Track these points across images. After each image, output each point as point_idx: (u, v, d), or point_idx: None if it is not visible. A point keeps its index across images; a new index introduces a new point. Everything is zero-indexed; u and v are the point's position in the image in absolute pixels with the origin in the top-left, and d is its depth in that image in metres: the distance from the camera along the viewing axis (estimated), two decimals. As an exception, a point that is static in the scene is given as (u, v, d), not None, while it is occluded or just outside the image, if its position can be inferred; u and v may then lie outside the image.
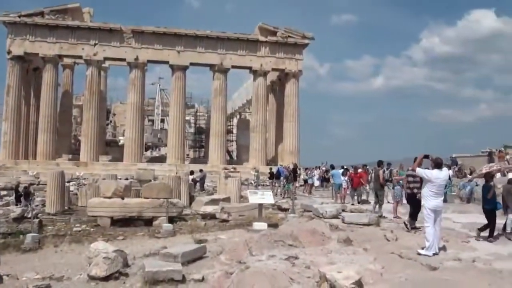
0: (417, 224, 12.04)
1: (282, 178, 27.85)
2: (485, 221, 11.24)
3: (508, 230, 10.95)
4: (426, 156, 10.04)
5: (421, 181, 11.14)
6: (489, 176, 11.93)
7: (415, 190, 12.17)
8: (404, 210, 17.08)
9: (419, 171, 9.74)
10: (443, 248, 9.80)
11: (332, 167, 25.02)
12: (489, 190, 11.10)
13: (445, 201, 19.54)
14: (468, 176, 22.68)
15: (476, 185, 20.62)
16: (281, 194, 25.81)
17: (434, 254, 9.14)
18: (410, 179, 12.49)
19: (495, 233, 11.10)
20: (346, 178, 20.99)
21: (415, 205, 12.33)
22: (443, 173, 9.66)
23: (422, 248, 9.33)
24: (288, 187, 24.29)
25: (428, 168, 9.95)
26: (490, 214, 10.95)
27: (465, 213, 16.20)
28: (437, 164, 9.63)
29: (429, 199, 9.44)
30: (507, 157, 29.59)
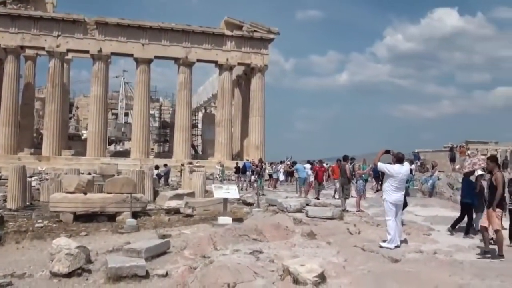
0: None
1: (248, 173, 27.95)
2: (447, 214, 11.53)
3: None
4: (387, 151, 10.18)
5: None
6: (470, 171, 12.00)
7: None
8: (367, 204, 17.37)
9: (381, 166, 9.87)
10: (405, 241, 10.01)
11: (295, 163, 25.24)
12: (472, 184, 11.29)
13: (407, 195, 19.96)
14: (431, 171, 23.14)
15: (438, 179, 21.11)
16: (246, 189, 25.87)
17: (396, 247, 9.31)
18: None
19: (457, 226, 11.38)
20: (311, 172, 21.16)
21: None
22: (404, 168, 9.83)
23: (384, 241, 9.49)
24: (260, 182, 24.33)
25: (390, 163, 10.10)
26: (468, 208, 11.08)
27: (427, 207, 16.57)
28: (398, 159, 9.80)
29: (391, 194, 9.59)
30: (468, 152, 30.33)
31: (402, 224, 11.40)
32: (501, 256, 8.48)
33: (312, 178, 20.98)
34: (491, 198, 8.87)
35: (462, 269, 7.62)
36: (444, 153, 35.36)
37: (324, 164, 21.30)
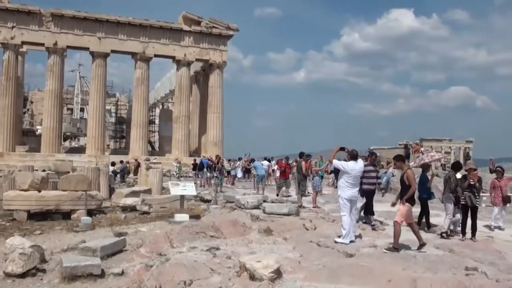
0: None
1: (206, 169, 27.90)
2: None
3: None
4: (342, 149, 10.38)
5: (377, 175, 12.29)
6: (426, 166, 12.45)
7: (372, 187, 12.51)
8: (323, 200, 17.61)
9: (336, 163, 10.05)
10: (360, 236, 10.24)
11: (253, 160, 25.34)
12: (427, 180, 11.93)
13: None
14: (385, 168, 23.64)
15: (393, 176, 21.59)
16: (203, 186, 25.82)
17: (350, 242, 9.50)
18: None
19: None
20: (277, 167, 21.19)
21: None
22: (359, 165, 10.02)
23: (339, 237, 9.65)
24: (220, 179, 24.30)
25: (345, 160, 10.29)
26: (426, 203, 11.78)
27: (382, 202, 16.89)
28: (353, 156, 9.99)
29: (345, 190, 9.77)
30: (422, 149, 31.17)
31: (371, 219, 12.22)
32: (396, 249, 8.86)
33: (277, 174, 21.01)
34: (403, 194, 9.25)
35: (415, 262, 7.84)
36: (399, 150, 36.15)
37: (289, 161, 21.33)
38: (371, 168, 12.36)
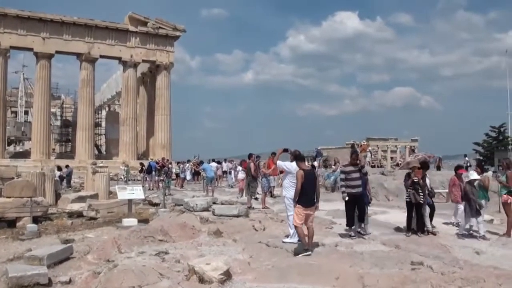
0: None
1: (154, 172, 27.64)
2: None
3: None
4: (286, 150, 10.51)
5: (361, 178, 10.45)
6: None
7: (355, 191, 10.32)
8: (272, 200, 17.76)
9: (279, 164, 10.12)
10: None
11: (202, 162, 25.28)
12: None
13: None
14: (334, 167, 24.05)
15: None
16: (152, 189, 25.58)
17: (298, 241, 9.62)
18: (342, 176, 10.59)
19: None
20: (241, 168, 20.85)
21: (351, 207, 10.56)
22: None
23: (287, 236, 9.75)
24: (168, 182, 24.08)
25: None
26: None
27: (330, 201, 17.20)
28: (296, 156, 10.11)
29: (290, 190, 9.81)
30: (369, 148, 31.93)
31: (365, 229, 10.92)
32: (306, 250, 8.55)
33: (241, 175, 20.36)
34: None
35: (362, 259, 8.01)
36: (346, 149, 36.80)
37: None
38: (351, 168, 10.46)
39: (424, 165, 11.54)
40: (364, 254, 8.40)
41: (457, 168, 13.27)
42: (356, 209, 10.43)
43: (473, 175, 10.85)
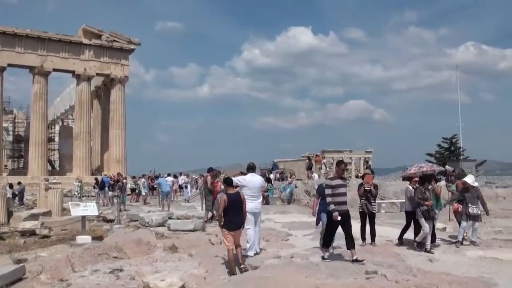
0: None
1: (107, 188, 27.20)
2: (304, 220, 11.80)
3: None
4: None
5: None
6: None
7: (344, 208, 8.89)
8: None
9: (234, 179, 10.15)
10: (264, 248, 10.41)
11: (157, 177, 25.09)
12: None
13: (267, 203, 20.50)
14: (289, 179, 24.20)
15: (296, 187, 22.24)
16: (106, 205, 25.15)
17: (255, 254, 9.63)
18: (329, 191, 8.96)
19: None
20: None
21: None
22: (256, 177, 10.19)
23: (244, 249, 9.76)
24: (122, 198, 23.68)
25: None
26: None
27: (286, 213, 17.32)
28: (249, 168, 10.17)
29: (247, 203, 9.92)
30: (324, 160, 32.29)
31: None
32: (234, 274, 8.36)
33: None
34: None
35: (317, 270, 8.05)
36: (302, 162, 37.14)
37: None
38: (339, 182, 8.98)
39: (425, 178, 10.64)
40: (320, 265, 8.45)
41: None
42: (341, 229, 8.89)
43: (469, 178, 10.78)
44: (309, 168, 28.61)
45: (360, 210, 11.07)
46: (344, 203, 8.87)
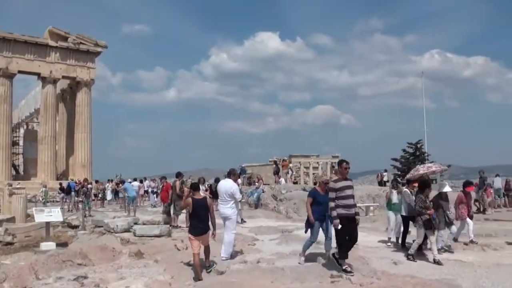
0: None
1: (73, 193, 26.82)
2: (271, 224, 11.78)
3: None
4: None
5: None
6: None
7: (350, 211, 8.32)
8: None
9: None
10: (231, 252, 10.45)
11: (123, 182, 24.87)
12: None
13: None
14: (257, 184, 24.27)
15: (263, 192, 22.34)
16: (71, 210, 24.81)
17: (226, 259, 9.68)
18: (332, 195, 8.42)
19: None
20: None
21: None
22: (226, 182, 10.23)
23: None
24: (88, 203, 23.34)
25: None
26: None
27: (253, 218, 17.39)
28: (227, 174, 10.25)
29: (221, 206, 10.00)
30: (290, 165, 32.54)
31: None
32: (199, 280, 8.38)
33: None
34: None
35: (283, 275, 8.14)
36: (269, 166, 37.32)
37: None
38: (344, 183, 8.36)
39: (425, 185, 9.96)
40: (286, 270, 8.51)
41: (465, 185, 12.24)
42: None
43: (445, 187, 10.66)
44: (276, 172, 28.80)
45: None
46: (353, 206, 8.31)
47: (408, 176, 11.52)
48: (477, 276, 7.93)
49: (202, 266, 8.80)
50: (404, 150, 51.42)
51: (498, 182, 24.43)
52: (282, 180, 27.42)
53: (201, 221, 8.80)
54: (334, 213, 8.15)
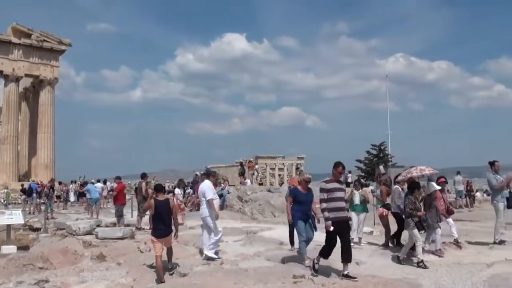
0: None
1: (35, 195, 26.30)
2: (236, 225, 11.79)
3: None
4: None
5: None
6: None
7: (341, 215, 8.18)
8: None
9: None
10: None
11: (86, 183, 24.56)
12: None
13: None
14: (222, 185, 24.24)
15: (228, 193, 22.32)
16: (33, 213, 24.34)
17: (208, 258, 9.76)
18: (323, 196, 8.17)
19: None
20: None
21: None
22: (203, 183, 10.34)
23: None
24: (50, 205, 22.90)
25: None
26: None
27: (218, 219, 17.32)
28: (155, 187, 10.30)
29: (202, 207, 10.08)
30: (256, 166, 32.62)
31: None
32: (161, 282, 8.40)
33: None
34: None
35: (246, 276, 8.18)
36: (235, 167, 37.35)
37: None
38: (335, 185, 8.20)
39: (414, 186, 9.73)
40: (249, 271, 8.56)
41: (437, 179, 11.90)
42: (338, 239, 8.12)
43: (433, 186, 10.65)
44: (242, 174, 28.81)
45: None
46: (343, 209, 8.16)
47: (399, 178, 11.53)
48: (438, 275, 8.09)
49: (165, 268, 8.79)
50: (368, 152, 52.25)
51: (460, 184, 24.99)
52: (248, 181, 27.45)
53: (163, 223, 8.81)
54: (326, 214, 7.95)
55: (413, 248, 9.23)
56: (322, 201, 8.03)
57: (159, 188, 9.58)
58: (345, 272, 7.83)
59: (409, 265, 9.11)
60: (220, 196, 22.06)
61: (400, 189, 10.95)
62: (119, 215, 16.20)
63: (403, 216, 9.74)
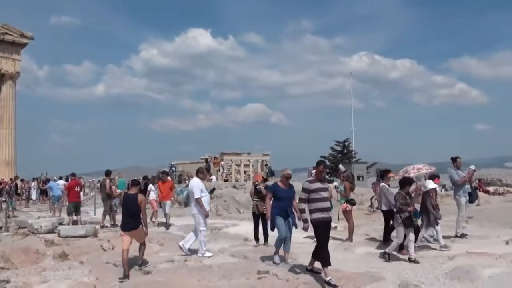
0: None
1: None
2: None
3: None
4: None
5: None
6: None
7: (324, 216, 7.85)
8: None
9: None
10: (158, 251, 10.45)
11: (48, 180, 24.13)
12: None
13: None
14: (187, 182, 24.18)
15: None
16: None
17: (205, 254, 9.75)
18: (304, 195, 7.94)
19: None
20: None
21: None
22: (192, 181, 10.34)
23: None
24: (11, 204, 22.37)
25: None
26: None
27: (182, 217, 17.32)
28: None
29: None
30: (222, 163, 32.66)
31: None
32: (125, 277, 8.46)
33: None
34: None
35: (210, 272, 8.22)
36: (201, 164, 37.21)
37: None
38: (318, 185, 7.93)
39: (405, 182, 9.70)
40: (213, 267, 8.60)
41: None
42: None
43: (430, 184, 10.61)
44: (207, 170, 28.77)
45: (253, 211, 11.33)
46: (327, 209, 7.83)
47: (397, 177, 11.65)
48: (401, 269, 8.22)
49: (131, 263, 8.77)
50: (332, 148, 52.71)
51: (422, 180, 25.34)
52: (213, 178, 27.47)
53: (131, 216, 8.82)
54: (305, 216, 7.84)
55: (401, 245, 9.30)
56: (301, 201, 7.86)
57: (133, 183, 9.58)
58: (327, 279, 7.29)
59: (399, 260, 9.05)
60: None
61: (387, 186, 11.01)
62: (69, 213, 15.80)
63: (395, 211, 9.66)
